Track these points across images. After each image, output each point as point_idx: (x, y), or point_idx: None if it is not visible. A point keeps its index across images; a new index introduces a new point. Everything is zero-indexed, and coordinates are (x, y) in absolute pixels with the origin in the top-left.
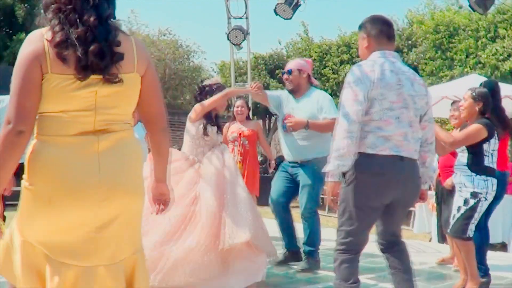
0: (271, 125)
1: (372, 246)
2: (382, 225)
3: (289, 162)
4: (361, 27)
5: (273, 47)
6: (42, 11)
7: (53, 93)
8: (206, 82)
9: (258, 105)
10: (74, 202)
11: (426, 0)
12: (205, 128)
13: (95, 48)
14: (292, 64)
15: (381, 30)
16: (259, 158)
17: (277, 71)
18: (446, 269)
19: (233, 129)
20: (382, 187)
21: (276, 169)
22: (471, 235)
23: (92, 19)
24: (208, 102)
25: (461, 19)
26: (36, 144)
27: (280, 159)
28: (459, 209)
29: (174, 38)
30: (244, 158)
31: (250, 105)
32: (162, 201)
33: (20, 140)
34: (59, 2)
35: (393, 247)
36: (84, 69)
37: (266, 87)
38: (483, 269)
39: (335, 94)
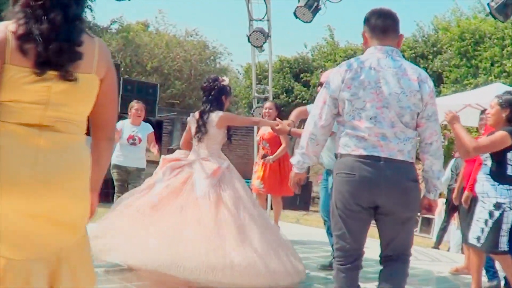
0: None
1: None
2: (379, 235)
3: (326, 170)
4: (364, 23)
5: (298, 50)
6: (11, 4)
7: (8, 83)
8: (225, 82)
9: (282, 109)
10: (6, 190)
11: (453, 7)
12: (230, 136)
13: (56, 46)
14: (324, 77)
15: (375, 24)
16: None
17: (301, 75)
18: (459, 279)
19: (261, 131)
20: (355, 188)
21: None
22: (505, 248)
23: (58, 18)
24: (261, 121)
25: (487, 27)
26: None
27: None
28: (486, 222)
29: (201, 39)
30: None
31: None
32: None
33: None
34: None
35: (387, 262)
36: (42, 65)
37: (291, 90)
38: (492, 272)
39: None
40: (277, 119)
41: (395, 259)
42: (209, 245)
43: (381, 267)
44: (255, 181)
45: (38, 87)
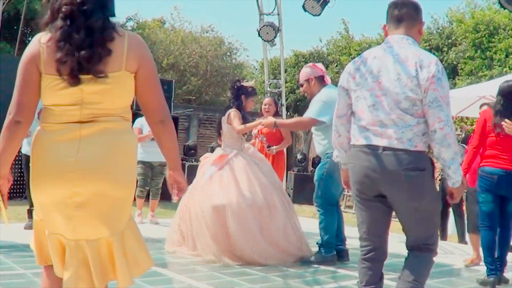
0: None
1: (396, 245)
2: (402, 227)
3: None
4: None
5: (314, 44)
6: (48, 17)
7: (46, 90)
8: (244, 83)
9: (298, 103)
10: (52, 179)
11: None
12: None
13: (89, 52)
14: (300, 77)
15: (391, 15)
16: (299, 157)
17: None
18: (472, 271)
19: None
20: (357, 177)
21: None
22: None
23: (99, 23)
24: (247, 126)
25: (502, 18)
26: (37, 131)
27: (319, 157)
28: None
29: (217, 35)
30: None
31: (284, 102)
32: (178, 188)
33: (17, 129)
34: (72, 3)
35: (410, 251)
36: (76, 77)
37: None
38: (489, 268)
39: None
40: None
41: (416, 248)
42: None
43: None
44: None
45: (71, 90)
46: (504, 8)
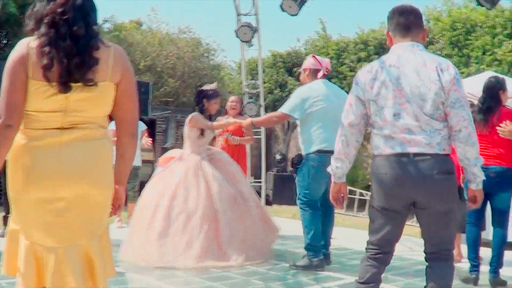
0: (290, 122)
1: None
2: (422, 233)
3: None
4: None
5: (291, 45)
6: (32, 23)
7: (31, 95)
8: (205, 87)
9: (276, 103)
10: (36, 185)
11: None
12: (203, 130)
13: (77, 60)
14: (302, 65)
15: (397, 23)
16: (278, 157)
17: (295, 69)
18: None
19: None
20: (388, 187)
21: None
22: None
23: (81, 30)
24: (214, 125)
25: (478, 16)
26: (17, 137)
27: (298, 158)
28: None
29: (194, 36)
30: (233, 154)
31: (262, 103)
32: (116, 204)
33: (9, 133)
34: (54, 13)
35: (432, 261)
36: (65, 83)
37: (284, 84)
38: (472, 265)
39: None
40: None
41: (438, 257)
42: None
43: (427, 265)
44: None
45: (58, 98)
46: (482, 6)
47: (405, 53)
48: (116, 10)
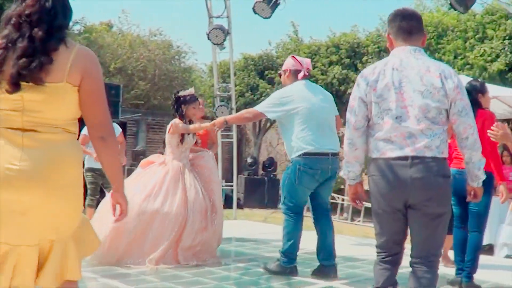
0: (261, 125)
1: (351, 250)
2: (412, 236)
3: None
4: (387, 24)
5: (263, 47)
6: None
7: None
8: (181, 93)
9: (247, 106)
10: (2, 185)
11: (416, 0)
12: (182, 138)
13: (26, 61)
14: (286, 65)
15: (399, 26)
16: (249, 160)
17: (266, 72)
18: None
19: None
20: (387, 189)
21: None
22: None
23: (40, 33)
24: (190, 128)
25: (450, 20)
26: None
27: (270, 161)
28: None
29: (165, 38)
30: None
31: (234, 106)
32: (120, 210)
33: None
34: (20, 14)
35: (418, 267)
36: (15, 85)
37: (255, 87)
38: (458, 268)
39: None
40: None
41: (424, 262)
42: None
43: (411, 270)
44: None
45: (13, 96)
46: (455, 9)
47: (407, 57)
48: (87, 12)
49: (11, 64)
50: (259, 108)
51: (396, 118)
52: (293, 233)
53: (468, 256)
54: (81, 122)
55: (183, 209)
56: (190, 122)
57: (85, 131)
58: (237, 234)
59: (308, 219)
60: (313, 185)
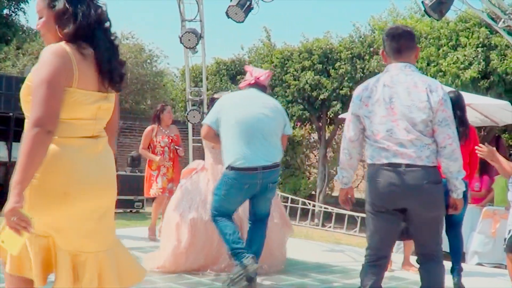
0: None
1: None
2: (414, 238)
3: None
4: (383, 41)
5: (235, 52)
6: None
7: (73, 105)
8: (216, 95)
9: None
10: (83, 195)
11: (389, 7)
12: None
13: (120, 71)
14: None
15: (390, 45)
16: None
17: (238, 77)
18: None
19: (162, 134)
20: (380, 192)
21: None
22: None
23: (117, 41)
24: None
25: (423, 27)
26: (52, 145)
27: None
28: None
29: (137, 42)
30: (174, 162)
31: (205, 110)
32: None
33: (49, 140)
34: (99, 21)
35: (425, 262)
36: (106, 87)
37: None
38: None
39: (295, 100)
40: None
41: (430, 258)
42: None
43: (419, 267)
44: (166, 184)
45: (94, 106)
46: (429, 16)
47: (398, 74)
48: None
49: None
50: (205, 121)
51: (387, 131)
52: (227, 230)
53: (455, 259)
54: None
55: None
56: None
57: None
58: None
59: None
60: (242, 198)
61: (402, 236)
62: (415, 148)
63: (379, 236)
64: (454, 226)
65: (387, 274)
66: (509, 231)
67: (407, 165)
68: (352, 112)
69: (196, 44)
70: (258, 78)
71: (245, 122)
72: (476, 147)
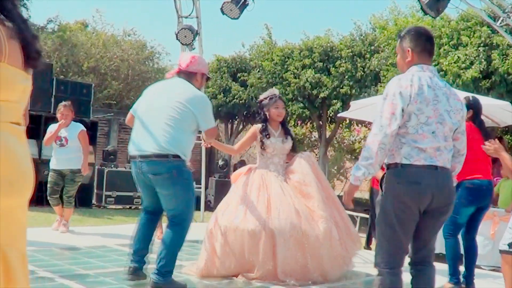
0: (234, 128)
1: None
2: (416, 236)
3: None
4: (402, 38)
5: (236, 50)
6: None
7: (3, 83)
8: (261, 96)
9: (219, 108)
10: (20, 187)
11: (390, 5)
12: (262, 144)
13: (36, 45)
14: None
15: (424, 47)
16: (220, 163)
17: (239, 74)
18: None
19: None
20: (418, 194)
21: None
22: None
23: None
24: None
25: (424, 25)
26: None
27: (241, 164)
28: None
29: (139, 38)
30: None
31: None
32: None
33: None
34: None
35: (422, 265)
36: (28, 64)
37: (228, 90)
38: (454, 278)
39: (296, 99)
40: None
41: (427, 261)
42: None
43: (412, 269)
44: None
45: (20, 87)
46: (426, 14)
47: (433, 77)
48: (61, 11)
49: (18, 46)
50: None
51: (432, 132)
52: (136, 228)
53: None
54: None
55: (268, 219)
56: (282, 124)
57: (49, 128)
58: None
59: None
60: (144, 190)
61: None
62: (446, 152)
63: (406, 241)
64: (475, 229)
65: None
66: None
67: (442, 168)
68: (402, 105)
69: (193, 41)
70: (180, 66)
71: (144, 111)
72: (482, 146)
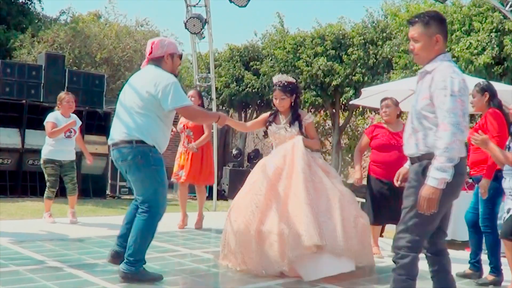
0: (248, 117)
1: None
2: (443, 229)
3: None
4: (427, 24)
5: (249, 38)
6: None
7: None
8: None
9: (232, 98)
10: None
11: None
12: (264, 132)
13: None
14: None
15: (446, 33)
16: (234, 152)
17: (251, 63)
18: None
19: (181, 119)
20: (462, 185)
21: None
22: None
23: None
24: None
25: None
26: None
27: (255, 153)
28: (509, 211)
29: (152, 29)
30: (188, 149)
31: (214, 96)
32: None
33: None
34: None
35: (441, 254)
36: None
37: (241, 78)
38: (494, 268)
39: (308, 87)
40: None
41: (444, 249)
42: None
43: (432, 255)
44: (178, 170)
45: None
46: (436, 0)
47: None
48: (73, 2)
49: None
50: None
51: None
52: (125, 215)
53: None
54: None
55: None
56: (293, 112)
57: (50, 118)
58: (216, 226)
59: None
60: (124, 176)
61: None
62: None
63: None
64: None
65: (381, 261)
66: (509, 210)
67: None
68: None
69: (202, 29)
70: (148, 54)
71: (118, 103)
72: (470, 135)
